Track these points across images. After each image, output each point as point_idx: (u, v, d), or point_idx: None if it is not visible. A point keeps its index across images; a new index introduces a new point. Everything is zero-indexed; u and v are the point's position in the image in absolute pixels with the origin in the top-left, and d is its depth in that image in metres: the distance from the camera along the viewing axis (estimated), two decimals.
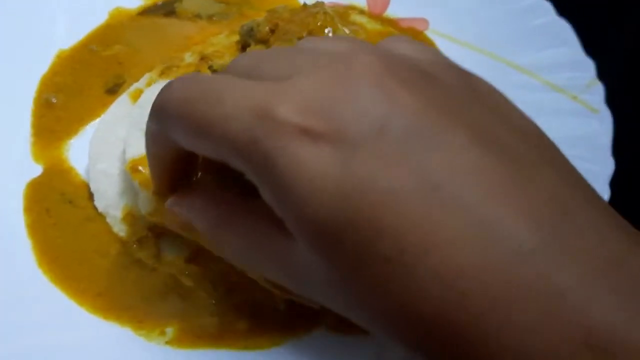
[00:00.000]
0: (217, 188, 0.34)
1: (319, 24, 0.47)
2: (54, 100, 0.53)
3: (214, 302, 0.41)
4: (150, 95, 0.47)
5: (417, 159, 0.25)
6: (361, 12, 0.60)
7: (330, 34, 0.47)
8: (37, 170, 0.49)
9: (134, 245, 0.44)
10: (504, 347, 0.24)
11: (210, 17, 0.60)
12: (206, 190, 0.35)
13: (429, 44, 0.57)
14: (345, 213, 0.25)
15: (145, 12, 0.61)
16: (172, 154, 0.33)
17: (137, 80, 0.53)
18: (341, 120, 0.26)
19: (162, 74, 0.52)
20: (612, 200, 0.44)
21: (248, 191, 0.30)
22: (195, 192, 0.35)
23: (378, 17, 0.60)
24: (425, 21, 0.61)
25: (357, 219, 0.25)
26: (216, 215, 0.33)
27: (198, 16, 0.60)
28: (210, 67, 0.46)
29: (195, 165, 0.35)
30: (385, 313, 0.26)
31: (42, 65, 0.55)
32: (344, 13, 0.57)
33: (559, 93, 0.53)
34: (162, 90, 0.31)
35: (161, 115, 0.31)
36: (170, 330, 0.40)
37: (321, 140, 0.26)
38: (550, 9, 0.58)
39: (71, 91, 0.54)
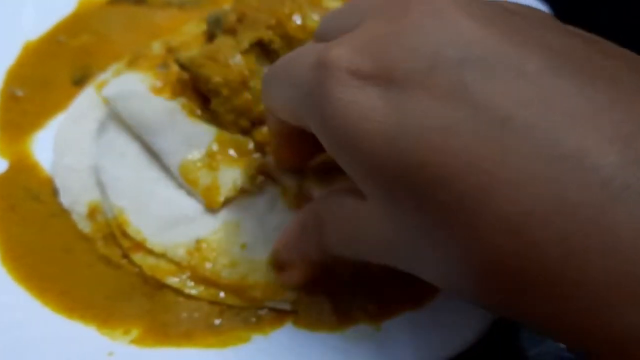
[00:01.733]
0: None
1: (287, 11, 0.45)
2: (19, 94, 0.52)
3: (180, 300, 0.40)
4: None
5: (476, 91, 0.23)
6: None
7: (300, 22, 0.46)
8: (2, 165, 0.48)
9: (99, 242, 0.43)
10: (583, 309, 0.21)
11: (181, 5, 0.59)
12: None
13: None
14: (400, 157, 0.24)
15: (114, 0, 0.59)
16: (284, 125, 0.35)
17: (104, 71, 0.52)
18: (390, 58, 0.25)
19: (130, 64, 0.51)
20: None
21: None
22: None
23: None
24: None
25: (409, 164, 0.24)
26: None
27: (168, 4, 0.59)
28: (176, 60, 0.45)
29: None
30: (447, 263, 0.25)
31: (8, 57, 0.54)
32: (315, 0, 0.56)
33: None
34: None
35: (262, 83, 0.35)
36: (135, 329, 0.39)
37: (370, 81, 0.25)
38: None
39: (37, 84, 0.53)
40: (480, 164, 0.22)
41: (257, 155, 0.44)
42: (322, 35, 0.32)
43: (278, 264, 0.39)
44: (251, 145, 0.44)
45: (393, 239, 0.28)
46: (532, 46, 0.23)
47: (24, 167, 0.48)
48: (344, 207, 0.31)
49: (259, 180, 0.44)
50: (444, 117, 0.23)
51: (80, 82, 0.52)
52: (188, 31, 0.54)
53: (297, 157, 0.39)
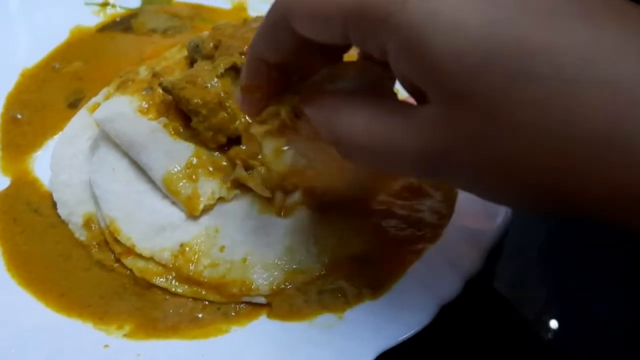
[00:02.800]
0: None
1: None
2: (19, 117, 0.57)
3: (167, 297, 0.45)
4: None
5: (564, 9, 0.25)
6: None
7: None
8: (4, 182, 0.53)
9: (94, 249, 0.48)
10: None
11: (164, 32, 0.64)
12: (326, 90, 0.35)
13: None
14: (497, 45, 0.25)
15: (104, 28, 0.65)
16: (282, 50, 0.33)
17: (96, 94, 0.57)
18: None
19: (119, 88, 0.56)
20: None
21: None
22: (320, 94, 0.34)
23: None
24: None
25: (504, 43, 0.25)
26: (343, 110, 0.32)
27: (153, 30, 0.64)
28: (160, 84, 0.50)
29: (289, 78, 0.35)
30: (536, 140, 0.26)
31: (7, 83, 0.60)
32: None
33: None
34: None
35: (284, 6, 0.32)
36: (127, 325, 0.44)
37: None
38: None
39: (35, 107, 0.58)
40: (582, 36, 0.25)
41: (231, 170, 0.49)
42: None
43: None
44: (225, 162, 0.49)
45: (445, 146, 0.28)
46: None
47: (24, 184, 0.53)
48: (383, 107, 0.31)
49: (235, 192, 0.49)
50: (521, 25, 0.25)
51: (74, 104, 0.58)
52: (171, 56, 0.59)
53: (264, 93, 0.37)
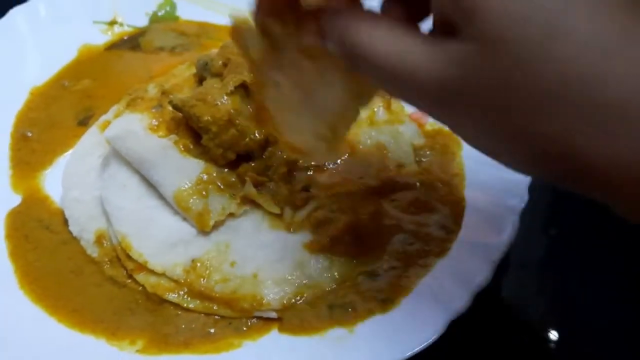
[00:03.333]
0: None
1: None
2: (29, 135, 0.58)
3: (179, 313, 0.46)
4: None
5: None
6: None
7: None
8: (16, 200, 0.53)
9: (106, 265, 0.48)
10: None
11: (172, 49, 0.65)
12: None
13: None
14: (532, 20, 0.27)
15: (111, 47, 0.66)
16: None
17: (105, 112, 0.58)
18: None
19: (128, 105, 0.57)
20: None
21: None
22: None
23: None
24: None
25: (544, 32, 0.26)
26: (365, 21, 0.32)
27: (161, 49, 0.65)
28: (170, 102, 0.51)
29: None
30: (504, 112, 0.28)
31: (17, 101, 0.60)
32: None
33: None
34: None
35: None
36: (140, 340, 0.44)
37: None
38: None
39: (45, 125, 0.59)
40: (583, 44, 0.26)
41: (240, 186, 0.50)
42: None
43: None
44: (234, 178, 0.50)
45: (466, 84, 0.29)
46: None
47: (35, 201, 0.53)
48: (409, 28, 0.31)
49: (244, 208, 0.49)
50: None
51: (84, 122, 0.59)
52: (179, 74, 0.60)
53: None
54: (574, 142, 0.27)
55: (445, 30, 0.30)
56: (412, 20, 0.34)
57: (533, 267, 0.52)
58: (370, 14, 0.33)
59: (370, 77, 0.33)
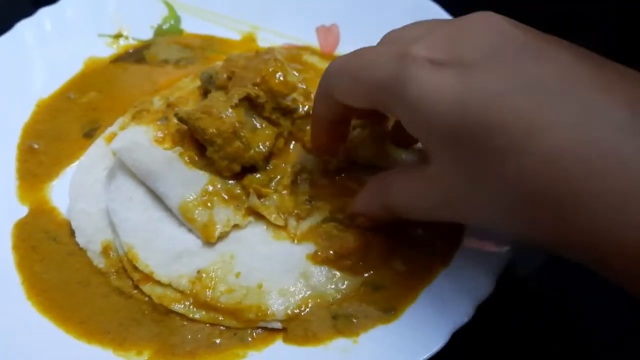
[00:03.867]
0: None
1: (270, 69, 0.52)
2: (36, 146, 0.58)
3: (185, 323, 0.46)
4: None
5: (526, 69, 0.33)
6: (313, 52, 0.66)
7: (282, 78, 0.52)
8: (22, 211, 0.54)
9: (112, 276, 0.49)
10: (601, 212, 0.30)
11: (177, 62, 0.66)
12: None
13: None
14: (465, 117, 0.33)
15: (117, 59, 0.66)
16: (333, 111, 0.45)
17: (111, 124, 0.58)
18: (460, 50, 0.35)
19: (134, 118, 0.57)
20: None
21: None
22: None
23: (329, 56, 0.66)
24: None
25: (474, 119, 0.33)
26: (390, 190, 0.43)
27: (166, 61, 0.66)
28: (175, 114, 0.51)
29: (347, 127, 0.49)
30: (498, 202, 0.34)
31: (23, 114, 0.61)
32: (296, 55, 0.63)
33: None
34: (329, 64, 0.44)
35: (326, 77, 0.44)
36: (146, 351, 0.45)
37: (444, 66, 0.35)
38: None
39: (51, 137, 0.59)
40: (526, 115, 0.32)
41: (244, 198, 0.51)
42: (392, 41, 0.41)
43: (352, 214, 0.48)
44: (238, 190, 0.51)
45: (453, 191, 0.37)
46: (559, 44, 0.34)
47: (42, 212, 0.54)
48: (411, 174, 0.41)
49: (249, 219, 0.50)
50: (500, 87, 0.33)
51: (89, 134, 0.59)
52: (184, 86, 0.61)
53: (332, 141, 0.50)
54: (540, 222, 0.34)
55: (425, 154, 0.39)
56: None
57: (532, 279, 0.53)
58: (388, 178, 0.44)
59: (410, 218, 0.43)
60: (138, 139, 0.53)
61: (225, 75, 0.54)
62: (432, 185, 0.38)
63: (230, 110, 0.50)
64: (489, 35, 0.35)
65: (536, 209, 0.33)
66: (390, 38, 0.42)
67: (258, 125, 0.51)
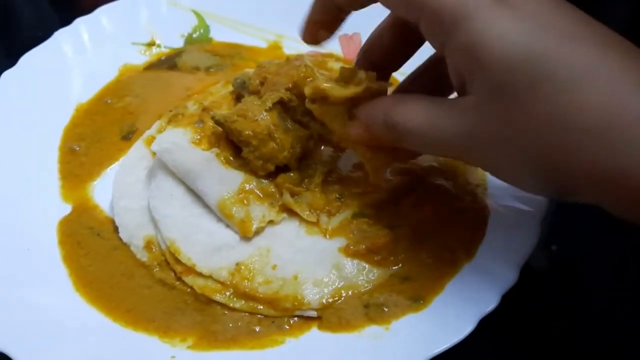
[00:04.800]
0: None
1: (302, 75, 0.55)
2: (77, 148, 0.62)
3: (225, 312, 0.49)
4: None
5: (583, 26, 0.35)
6: (337, 59, 0.69)
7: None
8: (66, 209, 0.57)
9: (155, 269, 0.52)
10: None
11: (207, 69, 0.69)
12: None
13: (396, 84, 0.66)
14: (528, 61, 0.35)
15: (150, 66, 0.70)
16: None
17: (147, 127, 0.62)
18: None
19: (170, 121, 0.61)
20: None
21: None
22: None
23: (352, 63, 0.68)
24: None
25: (535, 65, 0.34)
26: (400, 104, 0.42)
27: (197, 68, 0.69)
28: (212, 117, 0.55)
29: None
30: (532, 139, 0.35)
31: (63, 118, 0.64)
32: (322, 62, 0.66)
33: None
34: None
35: None
36: (190, 338, 0.47)
37: (507, 8, 0.36)
38: None
39: (91, 139, 0.63)
40: (579, 69, 0.34)
41: (278, 196, 0.54)
42: None
43: (352, 115, 0.47)
44: (272, 188, 0.54)
45: (482, 127, 0.37)
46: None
47: (85, 210, 0.57)
48: (435, 100, 0.40)
49: (283, 215, 0.53)
50: (565, 40, 0.35)
51: (127, 137, 0.62)
52: (216, 92, 0.64)
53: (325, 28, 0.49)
54: (566, 163, 0.35)
55: (459, 88, 0.39)
56: (440, 90, 0.45)
57: (536, 283, 0.56)
58: (401, 96, 0.43)
59: (411, 146, 0.42)
60: (177, 140, 0.56)
61: (257, 81, 0.58)
62: (461, 116, 0.38)
63: (264, 113, 0.53)
64: None
65: (565, 151, 0.35)
66: None
67: (290, 128, 0.54)
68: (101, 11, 0.71)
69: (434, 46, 0.40)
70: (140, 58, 0.70)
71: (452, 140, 0.39)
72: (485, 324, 0.45)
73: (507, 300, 0.46)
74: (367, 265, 0.50)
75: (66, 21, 0.70)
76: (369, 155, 0.48)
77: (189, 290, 0.50)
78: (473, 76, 0.37)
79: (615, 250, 0.56)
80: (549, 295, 0.54)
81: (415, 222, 0.52)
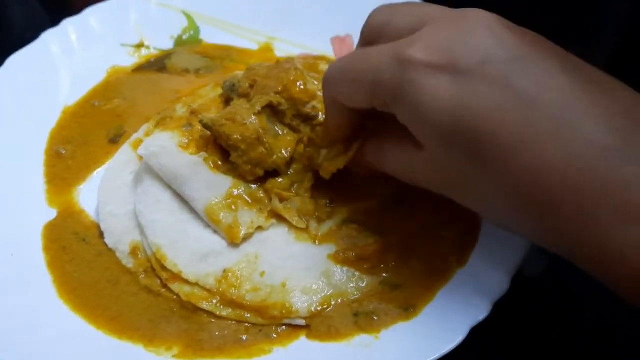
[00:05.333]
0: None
1: (292, 78, 0.54)
2: (63, 152, 0.60)
3: (212, 320, 0.48)
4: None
5: (515, 80, 0.35)
6: (329, 62, 0.68)
7: (302, 87, 0.55)
8: (52, 213, 0.56)
9: (141, 275, 0.51)
10: (583, 223, 0.33)
11: (197, 71, 0.68)
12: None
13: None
14: (459, 123, 0.36)
15: (139, 68, 0.69)
16: (345, 115, 0.46)
17: (135, 130, 0.61)
18: (456, 54, 0.36)
19: (158, 124, 0.60)
20: None
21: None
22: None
23: None
24: None
25: (467, 127, 0.35)
26: (386, 157, 0.46)
27: (186, 71, 0.68)
28: (201, 121, 0.54)
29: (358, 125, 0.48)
30: (487, 196, 0.38)
31: (50, 120, 0.63)
32: (313, 64, 0.65)
33: None
34: (326, 70, 0.45)
35: (328, 85, 0.45)
36: (176, 346, 0.46)
37: (440, 71, 0.36)
38: None
39: (78, 143, 0.61)
40: (515, 127, 0.34)
41: (267, 201, 0.53)
42: (377, 33, 0.44)
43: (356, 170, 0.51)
44: (261, 193, 0.53)
45: (444, 177, 0.40)
46: (547, 52, 0.36)
47: (70, 215, 0.56)
48: (405, 148, 0.43)
49: (272, 221, 0.52)
50: (492, 100, 0.35)
51: (114, 140, 0.61)
52: (205, 94, 0.63)
53: (343, 134, 0.49)
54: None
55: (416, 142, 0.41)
56: None
57: (536, 284, 0.55)
58: (378, 147, 0.46)
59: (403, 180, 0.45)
60: (165, 144, 0.55)
61: (247, 84, 0.57)
62: (425, 165, 0.41)
63: (253, 117, 0.52)
64: (483, 39, 0.37)
65: (521, 210, 0.36)
66: (378, 29, 0.44)
67: (280, 132, 0.53)
68: (90, 12, 0.70)
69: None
70: (129, 60, 0.69)
71: (430, 183, 0.43)
72: (477, 332, 0.44)
73: (499, 307, 0.45)
74: (357, 273, 0.49)
75: (58, 22, 0.69)
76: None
77: (175, 297, 0.49)
78: (423, 138, 0.39)
79: None
80: (542, 302, 0.53)
81: (407, 228, 0.51)
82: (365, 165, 0.49)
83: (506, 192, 0.36)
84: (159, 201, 0.53)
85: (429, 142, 0.39)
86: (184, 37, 0.71)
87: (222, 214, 0.51)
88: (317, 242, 0.51)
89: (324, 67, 0.66)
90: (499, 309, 0.45)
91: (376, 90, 0.40)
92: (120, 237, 0.53)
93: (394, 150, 0.45)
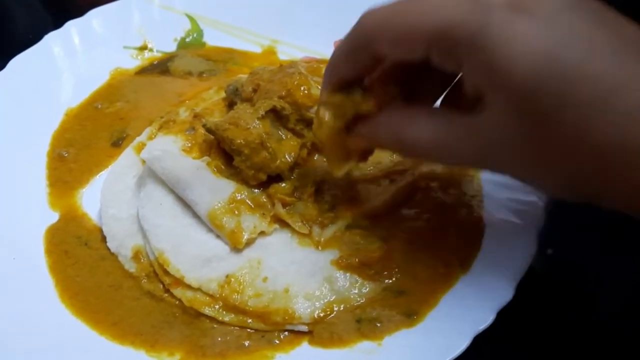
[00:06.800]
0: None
1: (295, 82, 0.54)
2: (65, 154, 0.60)
3: (215, 326, 0.48)
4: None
5: (602, 31, 0.33)
6: None
7: (306, 91, 0.54)
8: (54, 217, 0.56)
9: (143, 280, 0.51)
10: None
11: (200, 74, 0.68)
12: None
13: None
14: (552, 69, 0.32)
15: (142, 71, 0.69)
16: (358, 67, 0.41)
17: (138, 133, 0.61)
18: None
19: (161, 128, 0.59)
20: None
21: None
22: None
23: None
24: None
25: (561, 72, 0.32)
26: (408, 126, 0.40)
27: (189, 73, 0.68)
28: (204, 125, 0.53)
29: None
30: (558, 147, 0.34)
31: (53, 122, 0.63)
32: (316, 68, 0.65)
33: None
34: (366, 12, 0.39)
35: (366, 28, 0.39)
36: (178, 352, 0.46)
37: (524, 13, 0.33)
38: None
39: (80, 145, 0.61)
40: (611, 72, 0.32)
41: (270, 206, 0.53)
42: None
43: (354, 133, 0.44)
44: (264, 198, 0.53)
45: (503, 140, 0.35)
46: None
47: (73, 218, 0.56)
48: (447, 116, 0.38)
49: (274, 226, 0.52)
50: (585, 44, 0.33)
51: (117, 143, 0.61)
52: (208, 98, 0.63)
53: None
54: (589, 178, 0.35)
55: (474, 102, 0.37)
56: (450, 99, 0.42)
57: (533, 286, 0.55)
58: (411, 113, 0.40)
59: (419, 159, 0.42)
60: (168, 148, 0.55)
61: (250, 88, 0.56)
62: (479, 133, 0.36)
63: (257, 121, 0.52)
64: None
65: (600, 161, 0.33)
66: None
67: (283, 136, 0.53)
68: (92, 14, 0.70)
69: (448, 69, 0.37)
70: (131, 62, 0.69)
71: (465, 155, 0.38)
72: (479, 338, 0.44)
73: (502, 313, 0.45)
74: (360, 279, 0.49)
75: (60, 24, 0.69)
76: (328, 149, 0.47)
77: (177, 302, 0.49)
78: (495, 94, 0.35)
79: (612, 253, 0.55)
80: (545, 300, 0.53)
81: (410, 234, 0.51)
82: (378, 137, 0.43)
83: (587, 141, 0.33)
84: (161, 205, 0.53)
85: (499, 92, 0.34)
86: (187, 40, 0.71)
87: (224, 219, 0.51)
88: (320, 247, 0.51)
89: None
90: (501, 314, 0.45)
91: (442, 36, 0.35)
92: (122, 241, 0.53)
93: (429, 117, 0.39)
